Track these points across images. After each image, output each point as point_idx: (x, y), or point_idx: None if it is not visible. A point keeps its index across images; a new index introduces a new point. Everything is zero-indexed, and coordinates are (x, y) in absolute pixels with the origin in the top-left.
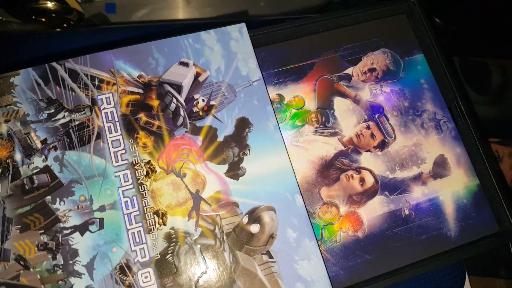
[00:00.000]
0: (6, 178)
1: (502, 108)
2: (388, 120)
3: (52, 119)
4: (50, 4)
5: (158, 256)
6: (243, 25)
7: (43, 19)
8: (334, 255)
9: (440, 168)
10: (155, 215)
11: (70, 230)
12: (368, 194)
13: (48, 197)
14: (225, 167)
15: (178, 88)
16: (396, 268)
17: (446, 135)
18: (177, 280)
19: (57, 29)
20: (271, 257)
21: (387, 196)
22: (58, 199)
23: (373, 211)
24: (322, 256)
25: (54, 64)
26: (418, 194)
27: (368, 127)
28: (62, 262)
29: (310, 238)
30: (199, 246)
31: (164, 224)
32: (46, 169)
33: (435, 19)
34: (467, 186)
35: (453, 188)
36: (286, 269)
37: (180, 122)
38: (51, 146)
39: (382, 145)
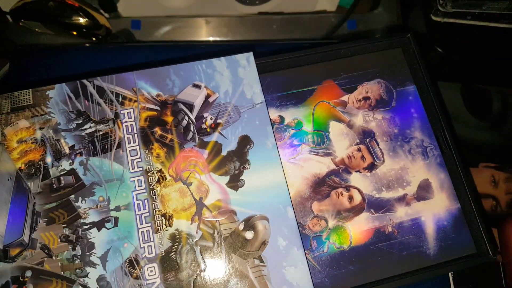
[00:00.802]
0: (37, 178)
1: (500, 134)
2: (378, 144)
3: (80, 129)
4: (82, 20)
5: (163, 254)
6: (251, 54)
7: (74, 33)
8: (321, 263)
9: (424, 191)
10: (162, 217)
11: (88, 226)
12: (355, 211)
13: (72, 196)
14: (227, 178)
15: (190, 107)
16: (376, 280)
17: (432, 161)
18: (178, 275)
19: (87, 44)
20: (262, 261)
21: (372, 214)
22: (80, 198)
23: (359, 226)
24: (308, 264)
25: (84, 81)
26: (401, 214)
27: (359, 150)
28: (80, 253)
29: (298, 247)
30: (199, 247)
31: (170, 226)
32: (72, 172)
33: (437, 48)
34: (448, 210)
35: (435, 210)
36: (275, 274)
37: (190, 137)
38: (77, 151)
39: (371, 167)
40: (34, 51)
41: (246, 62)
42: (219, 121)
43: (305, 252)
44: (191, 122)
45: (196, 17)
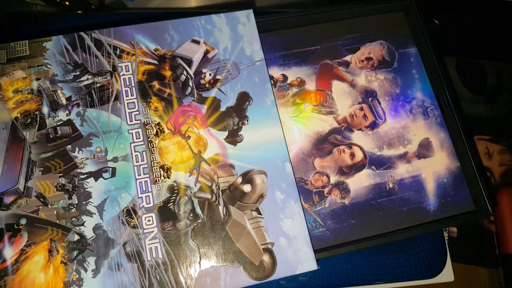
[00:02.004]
0: (33, 127)
1: (494, 108)
2: (380, 103)
3: (77, 80)
4: None
5: (161, 204)
6: (251, 11)
7: (67, 3)
8: (323, 218)
9: (424, 150)
10: (161, 169)
11: (85, 176)
12: (356, 167)
13: (69, 146)
14: (225, 133)
15: (189, 62)
16: (377, 234)
17: (432, 121)
18: (176, 225)
19: (79, 12)
20: (259, 213)
21: (373, 170)
22: (77, 148)
23: (360, 182)
24: (305, 217)
25: (82, 33)
26: (402, 171)
27: (361, 109)
28: (76, 202)
29: (295, 200)
30: (197, 198)
31: (168, 177)
32: (69, 122)
33: (434, 20)
34: (448, 168)
35: (435, 168)
36: (272, 225)
37: (189, 92)
38: (74, 103)
39: (373, 126)
40: (26, 19)
41: (246, 19)
42: (218, 77)
43: (302, 205)
44: (189, 77)
45: None
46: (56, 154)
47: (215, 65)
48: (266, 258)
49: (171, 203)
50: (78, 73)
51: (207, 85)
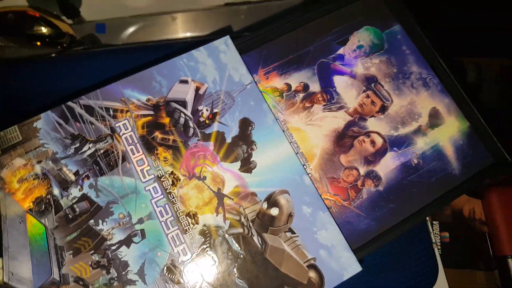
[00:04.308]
0: (50, 212)
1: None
2: (383, 86)
3: (79, 152)
4: (44, 30)
5: (198, 252)
6: (228, 37)
7: (38, 43)
8: (364, 209)
9: (434, 119)
10: (187, 217)
11: (116, 246)
12: (380, 153)
13: (92, 221)
14: (238, 164)
15: (183, 103)
16: (417, 210)
17: (434, 90)
18: (218, 268)
19: (52, 54)
20: (293, 233)
21: (396, 151)
22: (100, 221)
23: (387, 166)
24: (336, 223)
25: (69, 103)
26: (421, 145)
27: (367, 96)
28: (116, 275)
29: (323, 210)
30: (231, 236)
31: (197, 223)
32: (84, 197)
33: None
34: (460, 130)
35: (449, 133)
36: (309, 241)
37: (191, 133)
38: (83, 176)
39: (383, 109)
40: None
41: (225, 46)
42: (215, 110)
43: (331, 213)
44: (188, 118)
45: (162, 15)
46: (81, 233)
47: (209, 99)
48: (312, 274)
49: (207, 248)
50: (78, 145)
51: (207, 121)
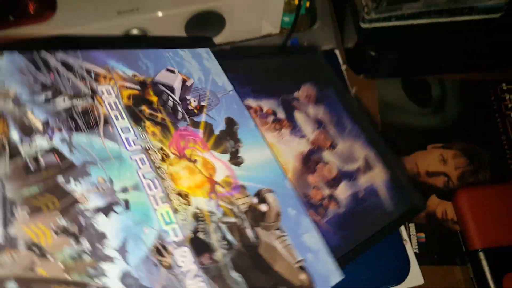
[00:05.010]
0: (2, 156)
1: (443, 116)
2: (329, 130)
3: (51, 103)
4: None
5: (191, 235)
6: (208, 50)
7: None
8: (333, 226)
9: (367, 164)
10: (179, 196)
11: (92, 212)
12: (337, 180)
13: (61, 178)
14: (227, 155)
15: (171, 89)
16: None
17: (361, 140)
18: (213, 257)
19: None
20: (283, 231)
21: (348, 182)
22: (72, 179)
23: (343, 193)
24: (316, 230)
25: (43, 54)
26: (363, 181)
27: (320, 133)
28: (89, 247)
29: (304, 215)
30: (225, 224)
31: (189, 204)
32: (53, 150)
33: (371, 52)
34: (384, 178)
35: (378, 178)
36: (297, 242)
37: (180, 117)
38: (54, 127)
39: (333, 146)
40: None
41: (207, 55)
42: (202, 103)
43: (310, 218)
44: (177, 102)
45: None
46: (44, 189)
47: (195, 92)
48: (303, 276)
49: (201, 233)
50: (49, 95)
51: (195, 111)
